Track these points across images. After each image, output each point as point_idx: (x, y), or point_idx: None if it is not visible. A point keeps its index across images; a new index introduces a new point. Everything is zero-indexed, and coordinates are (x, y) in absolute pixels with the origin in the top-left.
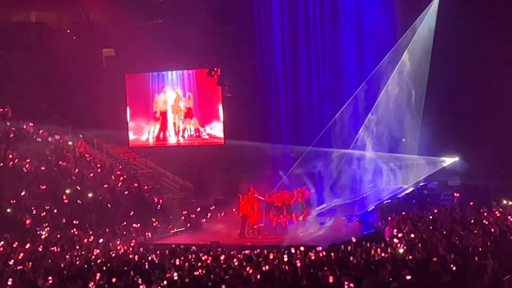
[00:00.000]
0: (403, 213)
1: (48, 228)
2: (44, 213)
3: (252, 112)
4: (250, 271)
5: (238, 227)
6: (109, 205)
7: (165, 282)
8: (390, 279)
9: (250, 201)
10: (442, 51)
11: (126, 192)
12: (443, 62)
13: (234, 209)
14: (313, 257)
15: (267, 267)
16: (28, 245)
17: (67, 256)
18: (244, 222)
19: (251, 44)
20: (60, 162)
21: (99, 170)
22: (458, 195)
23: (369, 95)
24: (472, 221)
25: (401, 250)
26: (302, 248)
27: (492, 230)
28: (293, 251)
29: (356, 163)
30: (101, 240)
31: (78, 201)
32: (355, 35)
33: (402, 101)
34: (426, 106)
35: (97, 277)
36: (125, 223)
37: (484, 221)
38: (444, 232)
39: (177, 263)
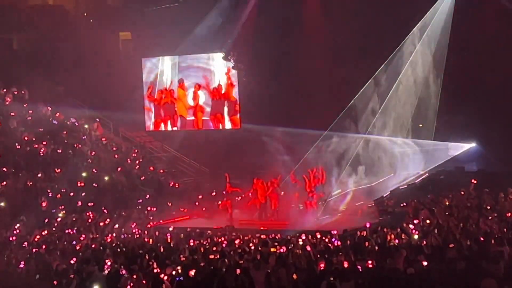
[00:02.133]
0: (419, 199)
1: (64, 211)
2: (60, 196)
3: (268, 96)
4: (265, 255)
5: (255, 211)
6: (124, 188)
7: (179, 266)
8: (405, 264)
9: (267, 185)
10: (461, 34)
11: (142, 176)
12: (461, 45)
13: (250, 193)
14: (328, 243)
15: (281, 251)
16: (43, 229)
17: (83, 239)
18: (263, 205)
19: (269, 28)
20: (76, 145)
21: (115, 153)
22: (475, 181)
23: (387, 79)
24: (489, 207)
25: (415, 236)
26: (317, 234)
27: (509, 216)
28: (307, 236)
29: (372, 148)
30: (116, 224)
31: (94, 184)
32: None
33: (419, 86)
34: (443, 91)
35: (113, 260)
36: (140, 206)
37: (501, 207)
38: (460, 218)
39: (192, 246)
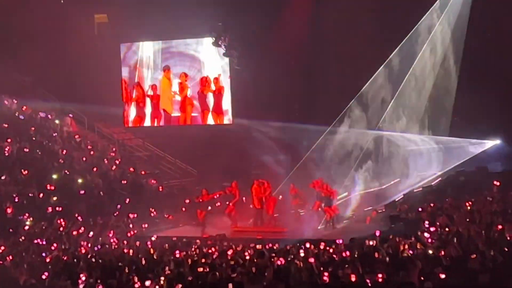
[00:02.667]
0: (436, 203)
1: (31, 218)
2: (27, 201)
3: (265, 87)
4: (261, 268)
5: (250, 217)
6: (101, 192)
7: (162, 279)
8: (422, 278)
9: (263, 189)
10: (480, 18)
11: (121, 178)
12: (481, 30)
13: (244, 198)
14: (333, 253)
15: (280, 263)
16: (8, 238)
17: (53, 250)
18: (259, 210)
19: (264, 9)
20: (46, 143)
21: (90, 152)
22: (498, 183)
23: (399, 70)
24: None
25: (432, 246)
26: (321, 243)
27: None
28: (309, 246)
29: (383, 145)
30: (92, 233)
31: (66, 187)
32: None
33: (435, 76)
34: (462, 81)
35: (88, 274)
36: (119, 213)
37: None
38: (483, 225)
39: (178, 258)
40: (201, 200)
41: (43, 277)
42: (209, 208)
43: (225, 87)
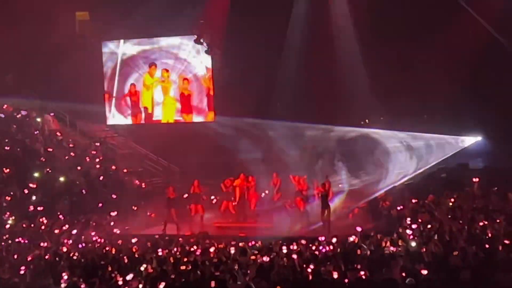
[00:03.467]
0: (418, 199)
1: (13, 217)
2: (9, 200)
3: (247, 84)
4: (244, 265)
5: (235, 213)
6: (83, 190)
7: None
8: (404, 274)
9: (247, 183)
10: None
11: (103, 176)
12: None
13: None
14: (315, 250)
15: (263, 260)
16: None
17: (35, 249)
18: (241, 205)
19: (247, 5)
20: (27, 141)
21: (72, 150)
22: (477, 179)
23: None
24: (496, 209)
25: (414, 243)
26: (303, 240)
27: None
28: (292, 243)
29: (365, 142)
30: (74, 231)
31: (48, 186)
32: None
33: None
34: (445, 79)
35: (70, 273)
36: (101, 211)
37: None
38: (465, 222)
39: (161, 256)
40: (192, 192)
41: (25, 276)
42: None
43: (206, 84)
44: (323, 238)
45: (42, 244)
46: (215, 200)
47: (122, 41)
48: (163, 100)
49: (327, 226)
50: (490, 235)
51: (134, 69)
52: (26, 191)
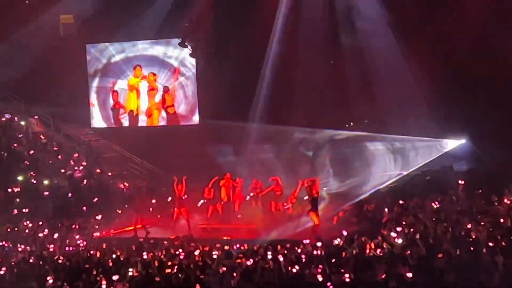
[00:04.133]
0: (402, 202)
1: None
2: None
3: (232, 87)
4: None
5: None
6: (68, 194)
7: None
8: (388, 277)
9: (233, 183)
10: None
11: (87, 180)
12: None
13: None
14: (300, 253)
15: (248, 264)
16: None
17: (19, 252)
18: (226, 205)
19: (231, 9)
20: (12, 145)
21: (56, 154)
22: (463, 182)
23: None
24: (481, 211)
25: (398, 246)
26: (288, 243)
27: (503, 221)
28: (277, 246)
29: (348, 145)
30: (58, 235)
31: (32, 189)
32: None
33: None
34: (428, 81)
35: (54, 277)
36: (85, 214)
37: (494, 211)
38: (449, 224)
39: (146, 259)
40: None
41: (8, 279)
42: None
43: (191, 87)
44: (307, 241)
45: (26, 247)
46: (200, 203)
47: (106, 44)
48: (148, 105)
49: (314, 229)
50: (474, 237)
51: (117, 75)
52: (9, 194)
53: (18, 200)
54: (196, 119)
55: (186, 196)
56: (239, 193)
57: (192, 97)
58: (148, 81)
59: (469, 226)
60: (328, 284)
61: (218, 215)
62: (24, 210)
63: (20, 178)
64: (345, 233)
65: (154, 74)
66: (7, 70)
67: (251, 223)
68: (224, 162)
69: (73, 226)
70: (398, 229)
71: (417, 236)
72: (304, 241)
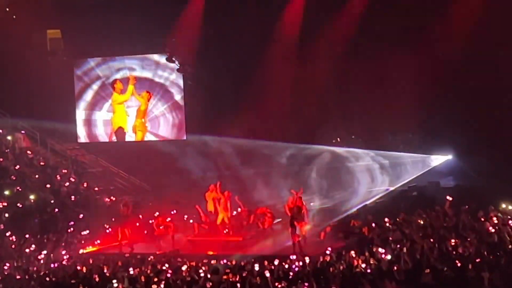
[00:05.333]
0: (389, 218)
1: None
2: None
3: (219, 103)
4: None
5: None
6: (56, 209)
7: None
8: None
9: (217, 198)
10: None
11: (74, 195)
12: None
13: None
14: (287, 269)
15: (235, 279)
16: None
17: (6, 268)
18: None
19: (219, 24)
20: None
21: (42, 169)
22: (451, 198)
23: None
24: (467, 227)
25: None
26: (275, 259)
27: (490, 237)
28: (264, 261)
29: (336, 161)
30: (45, 251)
31: (18, 204)
32: None
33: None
34: (415, 98)
35: None
36: (72, 229)
37: (481, 227)
38: (436, 240)
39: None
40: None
41: None
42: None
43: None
44: (294, 257)
45: (12, 262)
46: (186, 217)
47: (95, 59)
48: (134, 124)
49: (298, 245)
50: (461, 253)
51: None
52: None
53: (7, 214)
54: (183, 134)
55: (174, 211)
56: (225, 206)
57: (179, 114)
58: (141, 98)
59: (456, 241)
60: None
61: (205, 227)
62: (11, 227)
63: (6, 192)
64: (328, 251)
65: (149, 93)
66: None
67: (238, 236)
68: (210, 176)
69: (60, 241)
70: (385, 244)
71: (404, 251)
72: (291, 257)
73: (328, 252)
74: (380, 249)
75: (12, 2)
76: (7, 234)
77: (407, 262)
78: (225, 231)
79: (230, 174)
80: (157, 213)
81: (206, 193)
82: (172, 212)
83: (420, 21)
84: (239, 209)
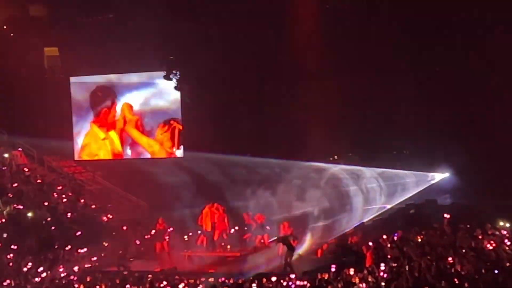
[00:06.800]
0: (386, 235)
1: None
2: None
3: (216, 120)
4: None
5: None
6: (53, 227)
7: None
8: None
9: (214, 214)
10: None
11: (71, 212)
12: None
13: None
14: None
15: None
16: None
17: (5, 284)
18: (210, 233)
19: (215, 44)
20: None
21: (39, 186)
22: (448, 216)
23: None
24: (465, 245)
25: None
26: (272, 277)
27: (487, 255)
28: (261, 280)
29: (333, 178)
30: (42, 268)
31: (16, 222)
32: None
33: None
34: (412, 116)
35: None
36: (69, 247)
37: (478, 245)
38: (433, 258)
39: None
40: (157, 230)
41: None
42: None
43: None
44: (293, 276)
45: (10, 281)
46: (186, 237)
47: (92, 76)
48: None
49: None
50: (458, 271)
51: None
52: None
53: (5, 234)
54: (180, 151)
55: (170, 229)
56: (221, 222)
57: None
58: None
59: (453, 259)
60: None
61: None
62: (8, 245)
63: (3, 210)
64: (333, 268)
65: (130, 107)
66: None
67: (235, 251)
68: (208, 195)
69: (57, 259)
70: (383, 262)
71: (402, 269)
72: (291, 275)
73: (333, 269)
74: (382, 267)
75: (9, 20)
76: (5, 252)
77: (405, 280)
78: (222, 247)
79: (228, 190)
80: (154, 231)
81: (203, 209)
82: (168, 230)
83: (417, 39)
84: (236, 228)
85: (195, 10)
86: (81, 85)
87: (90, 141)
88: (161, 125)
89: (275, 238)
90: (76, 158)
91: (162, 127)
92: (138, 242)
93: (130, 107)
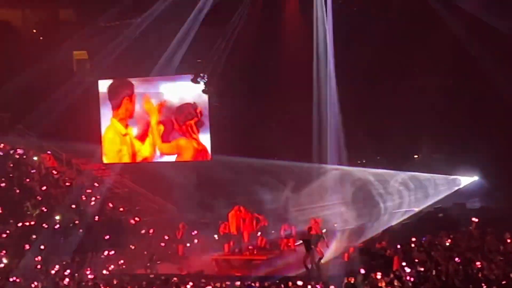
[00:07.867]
0: (415, 239)
1: (7, 256)
2: (5, 238)
3: (244, 124)
4: None
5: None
6: (81, 230)
7: None
8: None
9: (241, 215)
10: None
11: (99, 215)
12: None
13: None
14: None
15: None
16: None
17: (33, 286)
18: (237, 237)
19: (243, 47)
20: (24, 180)
21: (68, 189)
22: (476, 220)
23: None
24: (493, 249)
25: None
26: (297, 280)
27: None
28: (286, 284)
29: (361, 182)
30: (69, 270)
31: (44, 224)
32: None
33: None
34: (441, 118)
35: None
36: (97, 250)
37: (506, 249)
38: (461, 262)
39: None
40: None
41: None
42: (188, 244)
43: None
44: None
45: (38, 283)
46: (214, 240)
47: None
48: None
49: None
50: (486, 275)
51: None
52: (21, 229)
53: (30, 235)
54: (208, 155)
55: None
56: (248, 224)
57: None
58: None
59: (481, 264)
60: None
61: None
62: (36, 247)
63: (32, 213)
64: (362, 271)
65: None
66: (20, 105)
67: (262, 255)
68: (236, 198)
69: (84, 262)
70: (410, 266)
71: (429, 273)
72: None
73: (362, 271)
74: (407, 270)
75: (39, 24)
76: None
77: (433, 284)
78: (249, 250)
79: (253, 196)
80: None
81: (229, 213)
82: (193, 233)
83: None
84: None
85: (223, 13)
86: None
87: (112, 136)
88: (183, 124)
89: (300, 241)
90: (104, 160)
91: (183, 127)
92: (163, 244)
93: (159, 104)
